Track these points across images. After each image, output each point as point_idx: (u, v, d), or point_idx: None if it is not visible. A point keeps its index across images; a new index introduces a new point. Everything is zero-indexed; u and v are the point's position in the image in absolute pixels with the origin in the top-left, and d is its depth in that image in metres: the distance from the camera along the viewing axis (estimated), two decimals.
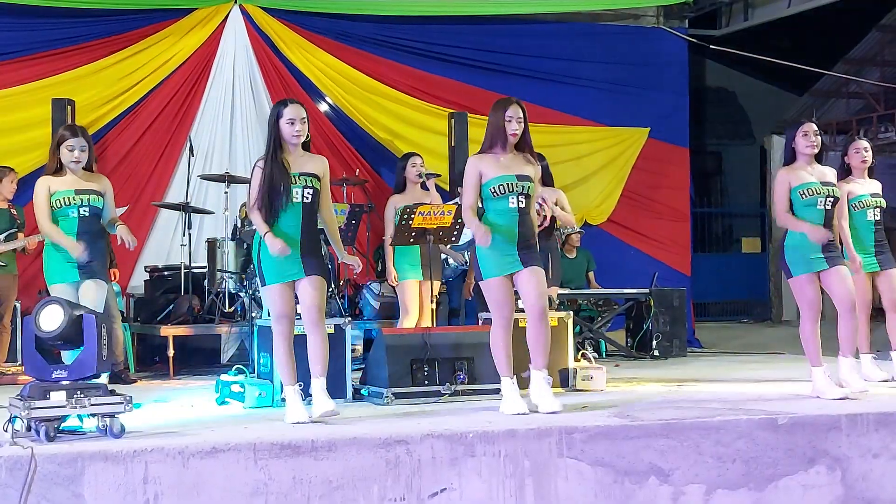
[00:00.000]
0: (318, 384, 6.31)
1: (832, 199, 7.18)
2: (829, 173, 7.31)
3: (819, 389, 6.97)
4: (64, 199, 7.03)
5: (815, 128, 7.26)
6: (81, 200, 7.06)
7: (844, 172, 8.30)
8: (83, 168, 7.13)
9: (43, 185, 7.09)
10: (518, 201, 6.59)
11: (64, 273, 7.06)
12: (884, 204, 8.31)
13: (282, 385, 6.56)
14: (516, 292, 6.75)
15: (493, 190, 6.60)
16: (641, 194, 13.33)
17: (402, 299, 8.57)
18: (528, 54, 12.82)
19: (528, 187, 6.63)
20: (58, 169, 7.11)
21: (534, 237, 6.72)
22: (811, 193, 7.13)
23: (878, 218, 8.23)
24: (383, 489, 5.30)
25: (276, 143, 6.38)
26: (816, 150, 7.24)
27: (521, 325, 6.98)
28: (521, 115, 6.68)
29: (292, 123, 6.36)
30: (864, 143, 8.35)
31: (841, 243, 7.68)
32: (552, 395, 6.51)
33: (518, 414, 6.27)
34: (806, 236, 7.08)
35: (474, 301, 10.02)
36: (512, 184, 6.58)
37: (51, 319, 5.53)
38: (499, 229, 6.58)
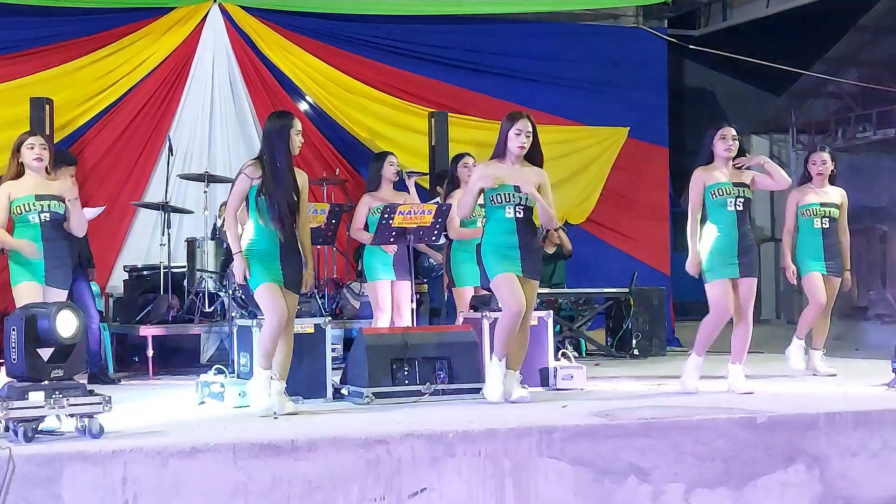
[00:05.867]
0: (278, 387, 6.49)
1: (743, 200, 7.31)
2: (745, 175, 7.40)
3: (682, 380, 7.52)
4: (24, 205, 6.98)
5: (734, 132, 7.39)
6: (41, 206, 7.00)
7: (803, 180, 8.72)
8: (45, 171, 7.07)
9: (3, 192, 7.03)
10: (515, 211, 6.81)
11: (30, 273, 7.01)
12: (836, 214, 8.61)
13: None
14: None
15: (491, 199, 6.85)
16: (621, 193, 13.38)
17: (374, 299, 8.57)
18: (508, 54, 12.86)
19: (527, 198, 6.81)
20: (19, 173, 7.05)
21: (536, 244, 6.97)
22: (722, 194, 7.30)
23: (826, 226, 8.56)
24: (363, 489, 5.29)
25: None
26: (733, 154, 7.36)
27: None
28: (531, 129, 6.85)
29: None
30: (822, 156, 8.68)
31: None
32: (521, 388, 6.96)
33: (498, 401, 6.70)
34: (721, 242, 7.27)
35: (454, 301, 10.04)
36: (509, 194, 6.79)
37: (68, 325, 5.49)
38: (498, 236, 6.82)
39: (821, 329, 8.70)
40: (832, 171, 8.63)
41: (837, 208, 8.59)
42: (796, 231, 8.65)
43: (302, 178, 6.65)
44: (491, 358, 7.00)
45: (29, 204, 6.98)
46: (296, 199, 6.53)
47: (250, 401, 6.42)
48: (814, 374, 8.51)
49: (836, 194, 8.65)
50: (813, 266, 8.54)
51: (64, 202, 7.08)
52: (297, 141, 6.55)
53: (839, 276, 8.66)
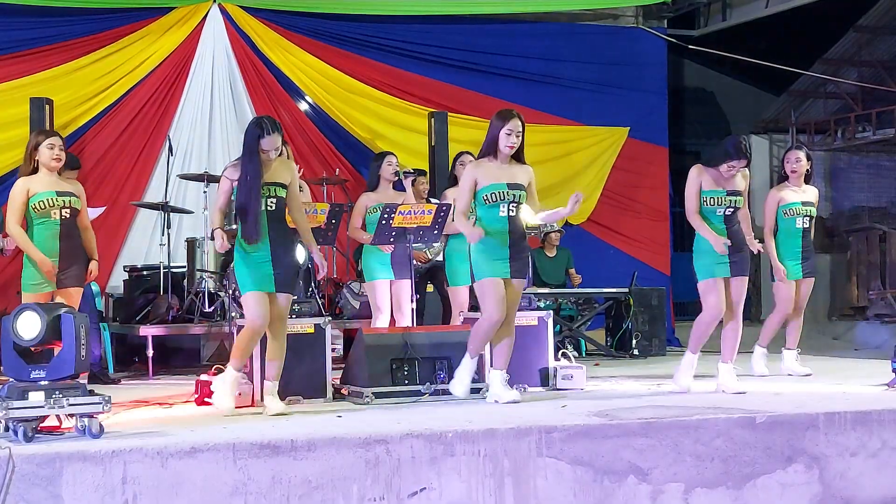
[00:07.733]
0: (270, 388, 6.59)
1: (732, 209, 7.38)
2: (740, 181, 7.41)
3: (676, 378, 7.52)
4: (46, 200, 6.96)
5: (744, 164, 7.33)
6: (63, 202, 7.01)
7: (780, 179, 8.74)
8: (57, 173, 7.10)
9: (22, 186, 7.00)
10: (509, 209, 6.84)
11: (39, 285, 6.98)
12: (814, 213, 8.64)
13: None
14: None
15: (485, 198, 6.85)
16: (621, 194, 13.39)
17: (373, 299, 8.55)
18: (508, 54, 12.87)
19: (519, 196, 6.85)
20: (34, 171, 7.05)
21: (525, 243, 6.95)
22: (713, 203, 7.35)
23: (806, 226, 8.59)
24: (363, 489, 5.30)
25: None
26: (734, 173, 7.34)
27: None
28: (521, 129, 6.88)
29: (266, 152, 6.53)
30: (797, 154, 8.66)
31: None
32: (508, 389, 6.91)
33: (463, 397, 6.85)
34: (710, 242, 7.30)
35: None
36: (503, 192, 6.82)
37: (29, 327, 5.50)
38: (491, 235, 6.81)
39: (794, 330, 8.72)
40: (808, 170, 8.60)
41: (814, 207, 8.62)
42: (777, 230, 8.59)
43: (289, 168, 6.66)
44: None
45: (52, 199, 6.97)
46: (276, 197, 6.50)
47: (215, 398, 6.45)
48: (789, 375, 8.49)
49: (812, 193, 8.66)
50: (791, 271, 8.53)
51: (80, 199, 7.15)
52: (269, 154, 6.48)
53: (813, 277, 8.67)
